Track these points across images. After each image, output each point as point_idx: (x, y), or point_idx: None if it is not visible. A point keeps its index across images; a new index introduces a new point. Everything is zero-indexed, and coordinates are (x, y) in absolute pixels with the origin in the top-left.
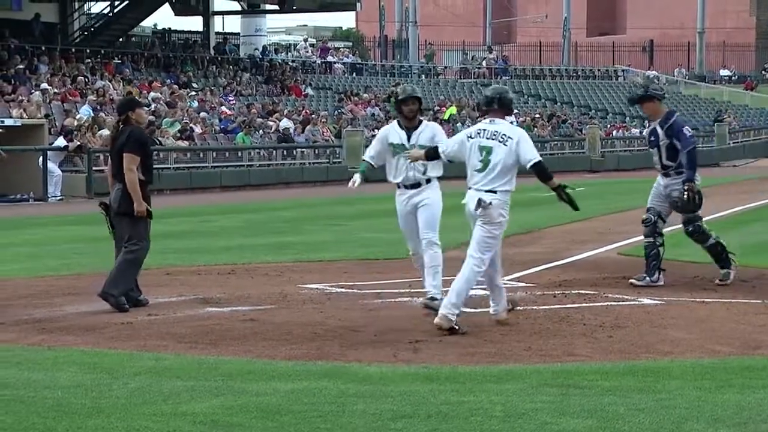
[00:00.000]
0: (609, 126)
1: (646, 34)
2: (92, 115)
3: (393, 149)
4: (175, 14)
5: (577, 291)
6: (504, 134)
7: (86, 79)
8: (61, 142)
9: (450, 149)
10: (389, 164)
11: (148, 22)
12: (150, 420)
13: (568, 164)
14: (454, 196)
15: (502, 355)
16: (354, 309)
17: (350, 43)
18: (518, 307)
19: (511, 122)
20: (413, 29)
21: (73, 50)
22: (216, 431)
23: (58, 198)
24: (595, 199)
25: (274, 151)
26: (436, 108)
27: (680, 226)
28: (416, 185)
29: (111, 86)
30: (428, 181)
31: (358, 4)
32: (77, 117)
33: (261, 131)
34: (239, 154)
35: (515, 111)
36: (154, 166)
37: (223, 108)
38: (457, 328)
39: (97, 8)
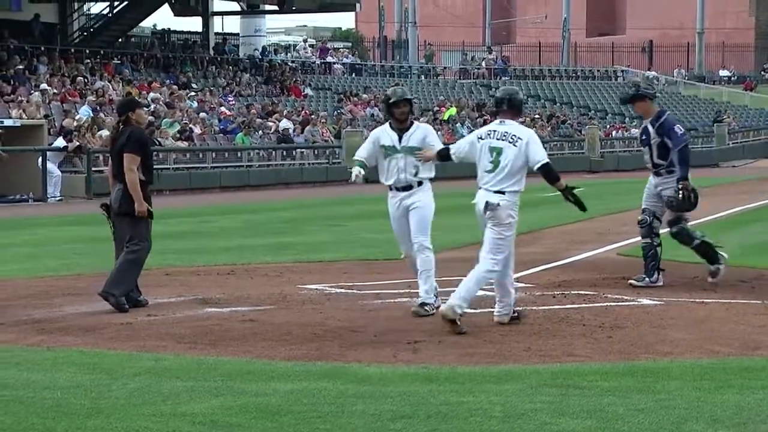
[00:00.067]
0: (608, 126)
1: (645, 35)
2: (91, 115)
3: (384, 151)
4: (175, 15)
5: (576, 291)
6: (514, 135)
7: (86, 80)
8: (60, 142)
9: (461, 150)
10: (381, 166)
11: (147, 23)
12: (149, 420)
13: (567, 165)
14: (451, 197)
15: (501, 355)
16: (353, 309)
17: (350, 44)
18: (525, 321)
19: None
20: (413, 30)
21: (73, 51)
22: (215, 431)
23: (58, 198)
24: (594, 199)
25: (274, 152)
26: (436, 108)
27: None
28: (408, 187)
29: (110, 87)
30: (420, 183)
31: (358, 5)
32: (76, 117)
33: (260, 132)
34: (239, 154)
35: None
36: (154, 167)
37: (223, 108)
38: (459, 323)
39: (96, 9)
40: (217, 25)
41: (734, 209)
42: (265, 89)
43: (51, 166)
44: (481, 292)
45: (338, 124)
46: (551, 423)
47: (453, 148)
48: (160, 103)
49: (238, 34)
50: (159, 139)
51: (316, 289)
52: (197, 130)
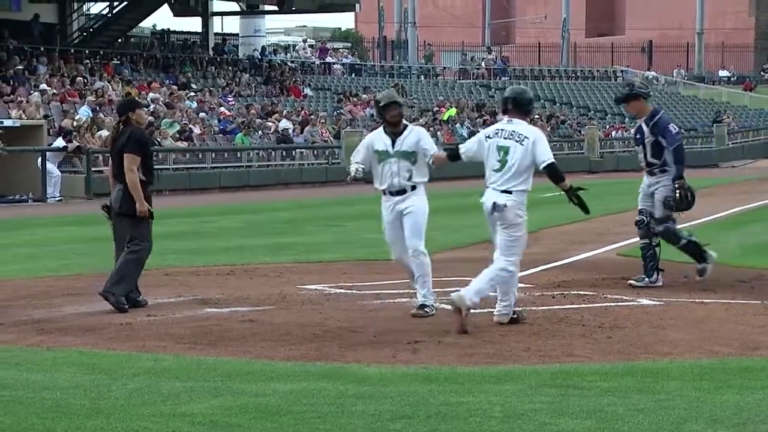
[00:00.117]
0: (608, 127)
1: (644, 35)
2: (91, 115)
3: (378, 156)
4: (174, 15)
5: (576, 292)
6: (521, 134)
7: (85, 80)
8: (60, 142)
9: (469, 149)
10: (374, 171)
11: (147, 23)
12: (149, 421)
13: (567, 165)
14: (451, 197)
15: (501, 355)
16: (353, 310)
17: (349, 44)
18: (525, 322)
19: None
20: (412, 30)
21: (72, 51)
22: (215, 431)
23: (57, 199)
24: (594, 199)
25: (273, 152)
26: (435, 109)
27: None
28: (401, 192)
29: (110, 87)
30: (413, 187)
31: (357, 5)
32: (76, 118)
33: (260, 132)
34: (238, 154)
35: None
36: (154, 167)
37: (222, 109)
38: (465, 315)
39: (96, 9)
40: (217, 25)
41: (734, 209)
42: (264, 89)
43: (50, 167)
44: None
45: (338, 124)
46: (551, 423)
47: (462, 148)
48: (160, 103)
49: (237, 35)
50: (158, 139)
51: (316, 289)
52: (197, 130)
